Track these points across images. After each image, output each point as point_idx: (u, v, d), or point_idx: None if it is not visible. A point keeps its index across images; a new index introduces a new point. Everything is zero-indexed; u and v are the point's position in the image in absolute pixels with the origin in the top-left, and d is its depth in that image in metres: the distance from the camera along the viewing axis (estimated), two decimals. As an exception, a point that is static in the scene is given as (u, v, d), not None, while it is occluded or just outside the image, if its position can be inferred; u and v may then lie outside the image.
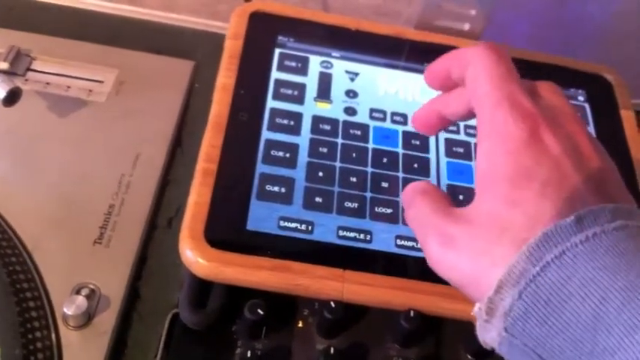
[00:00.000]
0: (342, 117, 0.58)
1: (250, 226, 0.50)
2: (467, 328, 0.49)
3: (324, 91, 0.60)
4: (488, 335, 0.33)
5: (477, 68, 0.39)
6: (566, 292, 0.30)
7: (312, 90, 0.60)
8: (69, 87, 0.63)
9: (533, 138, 0.35)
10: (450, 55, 0.43)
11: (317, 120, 0.58)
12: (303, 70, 0.61)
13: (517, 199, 0.34)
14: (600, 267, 0.30)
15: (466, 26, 0.68)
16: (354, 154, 0.56)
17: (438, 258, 0.36)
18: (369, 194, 0.54)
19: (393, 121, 0.59)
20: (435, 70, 0.44)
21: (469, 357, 0.50)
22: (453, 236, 0.35)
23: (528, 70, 0.64)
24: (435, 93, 0.44)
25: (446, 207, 0.38)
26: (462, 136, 0.59)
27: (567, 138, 0.36)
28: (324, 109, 0.59)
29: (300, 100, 0.59)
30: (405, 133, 0.58)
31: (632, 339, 0.28)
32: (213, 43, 0.69)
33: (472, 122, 0.59)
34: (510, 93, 0.37)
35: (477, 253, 0.34)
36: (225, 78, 0.58)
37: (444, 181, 0.56)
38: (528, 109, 0.36)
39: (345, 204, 0.53)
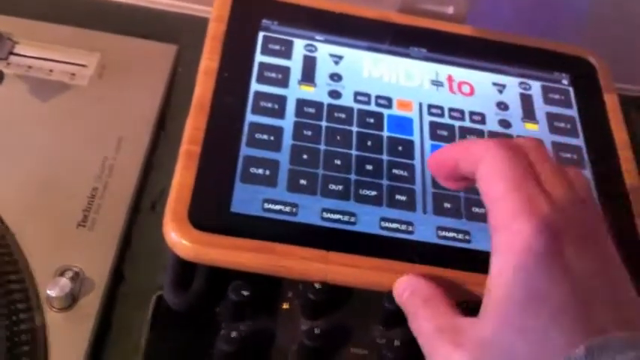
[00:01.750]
0: (326, 100, 0.58)
1: (234, 208, 0.50)
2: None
3: (308, 75, 0.60)
4: None
5: (488, 170, 0.37)
6: None
7: (296, 73, 0.60)
8: (51, 70, 0.63)
9: (552, 254, 0.33)
10: (458, 147, 0.41)
11: (301, 103, 0.58)
12: (287, 53, 0.61)
13: (525, 327, 0.32)
14: None
15: (450, 9, 0.68)
16: (338, 137, 0.56)
17: None
18: (353, 177, 0.54)
19: (378, 105, 0.59)
20: (440, 160, 0.43)
21: (453, 338, 0.51)
22: None
23: (511, 54, 0.65)
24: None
25: (450, 323, 0.36)
26: (446, 119, 0.59)
27: (592, 253, 0.33)
28: (308, 92, 0.59)
29: (284, 83, 0.59)
30: (389, 116, 0.58)
31: None
32: (197, 27, 0.68)
33: (456, 105, 0.60)
34: (529, 199, 0.34)
35: None
36: (209, 61, 0.58)
37: (428, 164, 0.56)
38: (549, 219, 0.33)
39: (330, 186, 0.53)
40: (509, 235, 0.34)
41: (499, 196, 0.35)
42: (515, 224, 0.34)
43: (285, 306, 0.50)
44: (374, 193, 0.53)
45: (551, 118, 0.62)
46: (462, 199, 0.54)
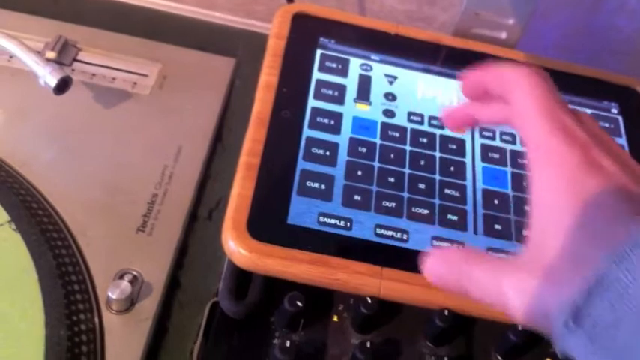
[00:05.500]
0: (380, 119, 0.60)
1: (291, 220, 0.51)
2: (498, 328, 0.51)
3: (363, 93, 0.61)
4: (570, 344, 0.32)
5: (524, 94, 0.39)
6: None
7: (352, 91, 0.61)
8: (114, 79, 0.64)
9: (589, 162, 0.36)
10: (489, 72, 0.43)
11: (356, 120, 0.59)
12: (343, 71, 0.62)
13: (588, 226, 0.34)
14: None
15: (503, 35, 0.69)
16: (392, 155, 0.57)
17: (528, 315, 0.35)
18: (406, 195, 0.55)
19: (431, 125, 0.60)
20: (472, 82, 0.45)
21: (499, 357, 0.51)
22: (531, 289, 0.34)
23: (561, 81, 0.66)
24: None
25: (501, 261, 0.37)
26: (497, 143, 0.60)
27: (617, 155, 0.37)
28: (363, 110, 0.60)
29: (340, 100, 0.60)
30: (442, 137, 0.59)
31: None
32: (254, 41, 0.71)
33: (508, 129, 0.61)
34: (562, 121, 0.38)
35: (560, 294, 0.33)
36: (269, 76, 0.59)
37: (480, 186, 0.57)
38: (581, 137, 0.37)
39: (383, 203, 0.54)
40: (545, 151, 0.37)
41: (533, 116, 0.39)
42: (551, 141, 0.37)
43: (335, 318, 0.51)
44: (426, 211, 0.54)
45: (600, 145, 0.63)
46: (513, 222, 0.55)
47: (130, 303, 0.51)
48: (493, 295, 0.37)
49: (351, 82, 0.62)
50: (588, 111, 0.65)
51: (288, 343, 0.47)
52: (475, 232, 0.54)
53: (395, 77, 0.63)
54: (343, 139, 0.57)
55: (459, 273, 0.39)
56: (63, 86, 0.58)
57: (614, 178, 0.35)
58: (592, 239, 0.33)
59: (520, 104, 0.40)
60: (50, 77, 0.57)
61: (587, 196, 0.35)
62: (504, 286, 0.36)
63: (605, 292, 0.30)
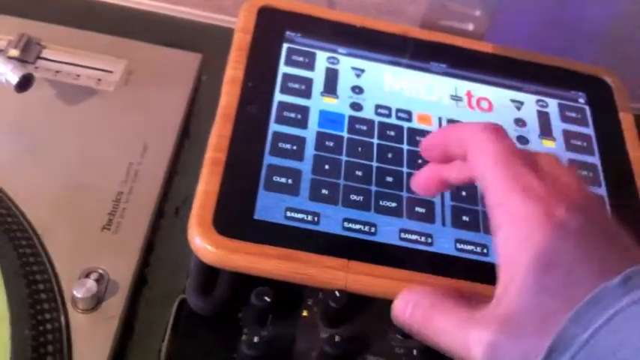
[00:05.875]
0: (348, 112, 0.59)
1: (258, 215, 0.51)
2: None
3: (330, 87, 0.61)
4: None
5: (479, 152, 0.40)
6: (620, 358, 0.29)
7: (319, 85, 0.61)
8: (78, 76, 0.64)
9: (549, 219, 0.35)
10: (446, 133, 0.44)
11: (323, 114, 0.59)
12: (310, 65, 0.62)
13: (548, 286, 0.34)
14: None
15: (470, 26, 0.69)
16: (359, 149, 0.57)
17: None
18: (373, 188, 0.55)
19: (398, 118, 0.60)
20: (431, 145, 0.45)
21: (469, 349, 0.51)
22: (495, 343, 0.35)
23: (529, 72, 0.66)
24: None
25: (468, 314, 0.37)
26: (465, 134, 0.60)
27: (581, 210, 0.36)
28: (330, 103, 0.60)
29: (307, 94, 0.60)
30: (409, 129, 0.59)
31: None
32: (220, 36, 0.70)
33: (475, 120, 0.60)
34: (518, 176, 0.38)
35: (523, 351, 0.33)
36: (234, 70, 0.59)
37: (447, 177, 0.57)
38: (539, 190, 0.37)
39: (351, 197, 0.54)
40: (504, 211, 0.37)
41: (490, 174, 0.38)
42: (509, 200, 0.37)
43: (305, 313, 0.51)
44: (394, 204, 0.54)
45: (567, 135, 0.63)
46: (480, 213, 0.55)
47: (96, 302, 0.50)
48: (456, 344, 0.37)
49: (318, 76, 0.61)
50: (556, 101, 0.65)
51: (256, 339, 0.47)
52: (443, 224, 0.54)
53: (362, 70, 0.63)
54: (310, 133, 0.57)
55: (424, 317, 0.39)
56: (25, 84, 0.57)
57: (574, 236, 0.35)
58: (553, 298, 0.34)
59: (476, 163, 0.40)
60: (11, 75, 0.56)
61: (547, 257, 0.35)
62: (468, 337, 0.36)
63: (566, 350, 0.31)
